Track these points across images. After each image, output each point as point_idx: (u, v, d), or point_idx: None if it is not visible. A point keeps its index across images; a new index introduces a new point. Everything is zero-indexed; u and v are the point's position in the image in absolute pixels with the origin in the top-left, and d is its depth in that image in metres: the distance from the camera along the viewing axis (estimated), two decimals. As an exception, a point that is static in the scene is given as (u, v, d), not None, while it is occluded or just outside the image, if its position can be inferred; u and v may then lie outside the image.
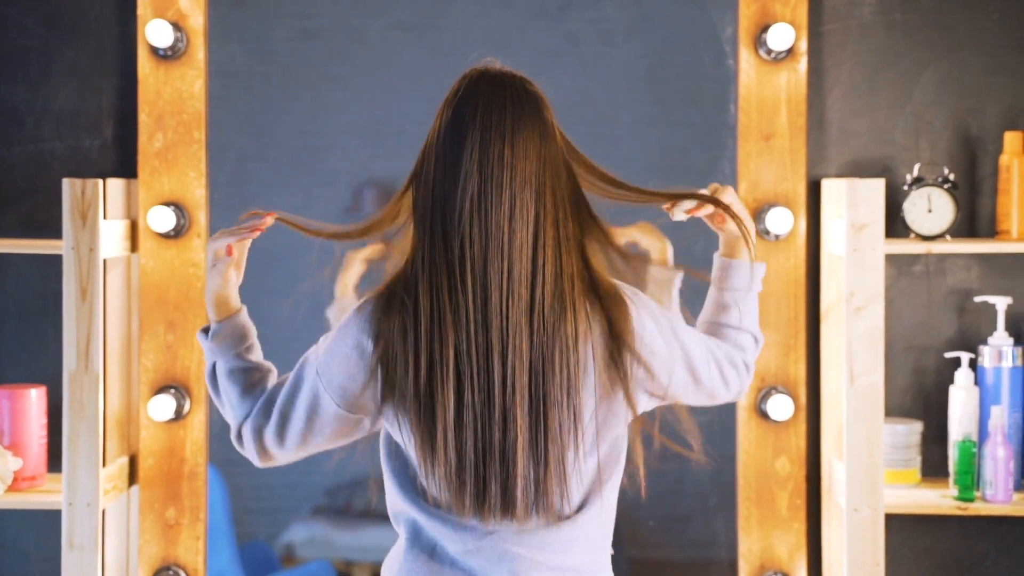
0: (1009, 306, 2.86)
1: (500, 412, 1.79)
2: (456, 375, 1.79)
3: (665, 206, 1.97)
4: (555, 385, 1.79)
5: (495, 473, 1.80)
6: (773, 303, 2.88)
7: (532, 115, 1.82)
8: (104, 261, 2.76)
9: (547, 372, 1.78)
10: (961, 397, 2.79)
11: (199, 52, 2.89)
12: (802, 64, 2.88)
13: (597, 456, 1.84)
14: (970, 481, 2.73)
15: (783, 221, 2.86)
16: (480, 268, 1.78)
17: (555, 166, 1.82)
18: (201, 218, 2.90)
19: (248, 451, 1.95)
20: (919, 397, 2.94)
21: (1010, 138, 2.81)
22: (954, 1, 2.93)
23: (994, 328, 2.84)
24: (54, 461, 2.84)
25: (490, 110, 1.81)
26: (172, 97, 2.89)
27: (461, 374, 1.79)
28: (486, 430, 1.79)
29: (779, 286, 2.89)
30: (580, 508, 1.86)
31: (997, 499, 2.72)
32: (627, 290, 1.85)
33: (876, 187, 2.66)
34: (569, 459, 1.81)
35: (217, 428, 2.93)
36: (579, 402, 1.80)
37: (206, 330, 1.98)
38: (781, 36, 2.84)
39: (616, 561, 1.98)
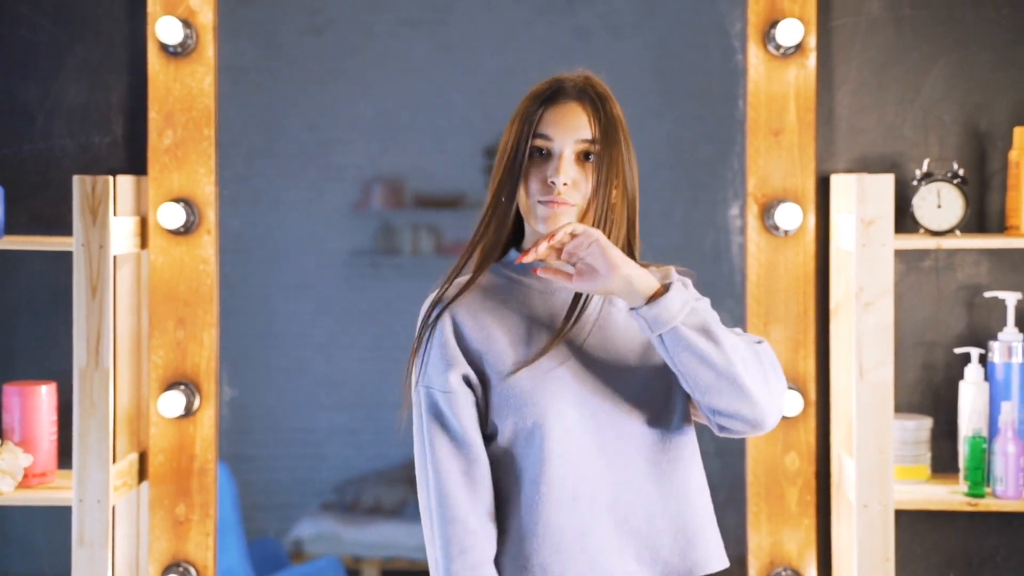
0: (1019, 301, 2.85)
1: None
2: None
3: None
4: None
5: None
6: (782, 299, 2.88)
7: None
8: (114, 258, 2.77)
9: None
10: (971, 393, 2.79)
11: (208, 49, 2.90)
12: (811, 59, 2.87)
13: None
14: (980, 477, 2.72)
15: (792, 217, 2.85)
16: None
17: None
18: (211, 215, 2.90)
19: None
20: (928, 393, 2.94)
21: (1019, 133, 2.80)
22: (963, -4, 2.94)
23: (1004, 324, 2.84)
24: (64, 457, 2.85)
25: None
26: (182, 94, 2.90)
27: None
28: None
29: (788, 282, 2.88)
30: None
31: (1007, 495, 2.71)
32: None
33: (885, 182, 2.66)
34: None
35: (226, 424, 2.93)
36: None
37: None
38: (790, 32, 2.83)
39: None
